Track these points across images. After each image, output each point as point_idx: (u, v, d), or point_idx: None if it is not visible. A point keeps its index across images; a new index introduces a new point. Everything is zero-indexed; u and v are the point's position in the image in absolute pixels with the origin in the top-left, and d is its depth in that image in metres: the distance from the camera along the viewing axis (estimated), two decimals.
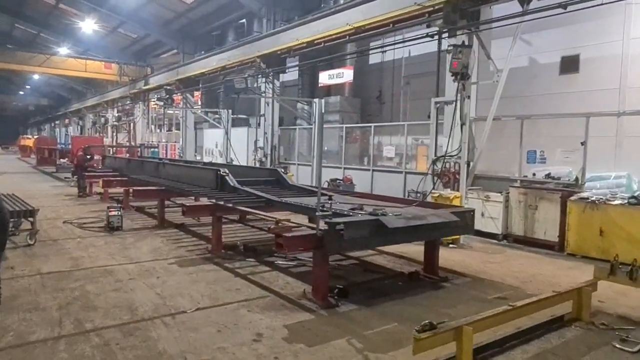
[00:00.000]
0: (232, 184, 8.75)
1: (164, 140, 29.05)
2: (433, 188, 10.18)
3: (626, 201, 8.23)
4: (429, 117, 14.56)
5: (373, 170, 14.28)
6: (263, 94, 15.74)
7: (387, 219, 5.70)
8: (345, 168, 15.18)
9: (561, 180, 9.67)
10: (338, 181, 13.69)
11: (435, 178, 10.22)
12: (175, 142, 28.48)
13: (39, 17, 33.13)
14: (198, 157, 23.28)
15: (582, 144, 9.28)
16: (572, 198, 8.90)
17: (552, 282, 6.73)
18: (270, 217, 9.47)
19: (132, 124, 29.32)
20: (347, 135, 15.61)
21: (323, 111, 14.23)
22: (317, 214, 5.41)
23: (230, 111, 19.28)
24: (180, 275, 6.75)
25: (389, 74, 16.86)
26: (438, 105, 10.74)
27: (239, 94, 14.13)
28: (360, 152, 15.58)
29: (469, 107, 9.76)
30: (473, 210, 7.09)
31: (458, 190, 9.84)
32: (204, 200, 8.50)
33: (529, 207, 9.63)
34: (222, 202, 7.82)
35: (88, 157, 15.87)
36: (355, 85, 17.39)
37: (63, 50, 31.80)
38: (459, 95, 9.59)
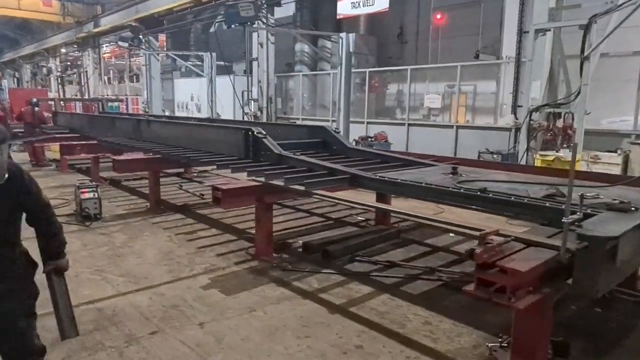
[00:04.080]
0: (276, 151, 5.79)
1: (126, 94, 24.88)
2: (528, 147, 7.60)
3: None
4: (476, 57, 11.91)
5: (409, 125, 11.50)
6: (270, 26, 12.31)
7: None
8: (369, 123, 12.33)
9: None
10: (370, 140, 10.86)
11: (533, 134, 7.61)
12: (136, 95, 24.44)
13: None
14: (167, 113, 19.60)
15: None
16: None
17: None
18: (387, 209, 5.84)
19: (83, 75, 24.81)
20: (369, 82, 12.65)
21: (352, 49, 11.20)
22: (566, 219, 2.63)
23: (214, 55, 15.69)
24: (236, 316, 3.88)
25: (414, 5, 13.77)
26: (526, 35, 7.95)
27: (245, 24, 10.69)
28: (389, 103, 12.73)
29: (592, 35, 7.01)
30: None
31: (564, 150, 7.32)
32: (239, 177, 5.47)
33: None
34: (278, 181, 4.87)
35: (37, 109, 12.13)
36: (370, 21, 14.26)
37: None
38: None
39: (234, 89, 14.95)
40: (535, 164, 7.17)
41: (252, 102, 14.87)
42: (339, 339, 3.54)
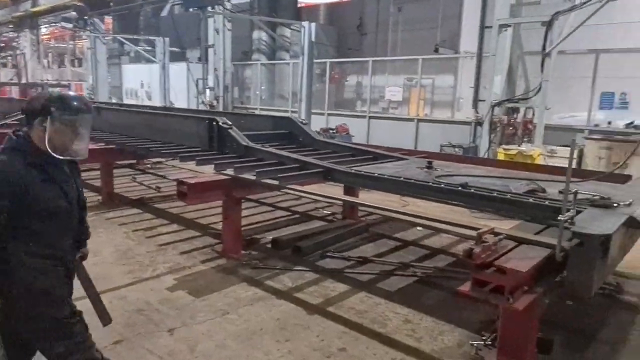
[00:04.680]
0: (243, 143, 5.50)
1: (68, 79, 23.38)
2: (490, 141, 7.73)
3: None
4: (436, 50, 12.02)
5: (370, 118, 11.45)
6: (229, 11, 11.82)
7: None
8: (329, 114, 12.18)
9: None
10: (332, 131, 10.72)
11: (495, 128, 7.73)
12: (80, 80, 23.03)
13: None
14: (115, 101, 18.59)
15: None
16: None
17: None
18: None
19: (19, 58, 23.07)
20: (329, 73, 12.48)
21: (314, 39, 10.98)
22: (562, 217, 2.58)
23: (167, 40, 14.95)
24: (208, 320, 3.62)
25: None
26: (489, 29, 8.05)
27: (205, 7, 10.14)
28: (348, 94, 12.63)
29: (553, 32, 7.16)
30: None
31: (526, 145, 7.50)
32: (201, 170, 5.15)
33: (613, 165, 7.55)
34: (248, 175, 4.62)
35: None
36: (330, 11, 14.06)
37: None
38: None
39: (191, 76, 14.38)
40: (498, 158, 7.29)
41: (208, 90, 14.32)
42: (320, 341, 3.38)
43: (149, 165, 9.88)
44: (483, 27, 8.82)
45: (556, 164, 7.68)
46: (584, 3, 6.36)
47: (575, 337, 3.58)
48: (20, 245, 2.08)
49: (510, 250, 2.73)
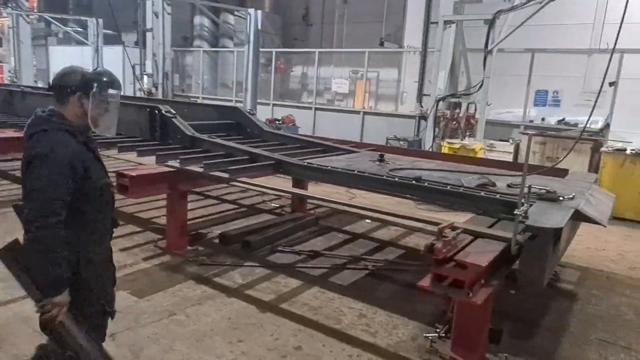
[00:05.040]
0: (188, 133, 5.24)
1: None
2: (435, 135, 7.92)
3: None
4: (381, 44, 12.14)
5: (316, 109, 11.38)
6: None
7: (589, 209, 3.20)
8: (275, 105, 11.97)
9: (577, 128, 8.20)
10: (278, 122, 10.53)
11: (439, 123, 7.92)
12: (0, 62, 21.09)
13: None
14: (40, 85, 17.22)
15: (612, 84, 7.79)
16: (605, 149, 7.46)
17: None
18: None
19: None
20: (275, 63, 12.24)
21: (259, 26, 10.69)
22: (518, 211, 2.61)
23: (100, 21, 14.00)
24: (154, 322, 3.39)
25: None
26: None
27: None
28: (294, 85, 12.47)
29: (495, 30, 7.39)
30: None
31: (469, 139, 7.75)
32: (140, 161, 4.82)
33: (547, 159, 7.99)
34: (196, 167, 4.38)
35: None
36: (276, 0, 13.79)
37: None
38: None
39: (128, 61, 13.59)
40: (443, 151, 7.48)
41: (146, 77, 13.60)
42: (274, 340, 3.26)
43: None
44: (428, 23, 8.98)
45: (496, 158, 8.03)
46: (525, 3, 6.63)
47: (519, 325, 3.71)
48: (86, 235, 2.06)
49: (468, 245, 2.75)
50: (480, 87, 7.49)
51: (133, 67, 14.11)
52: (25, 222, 1.86)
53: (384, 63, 11.92)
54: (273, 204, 6.89)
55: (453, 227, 2.76)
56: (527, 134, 8.20)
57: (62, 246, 1.89)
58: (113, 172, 4.26)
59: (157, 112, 5.41)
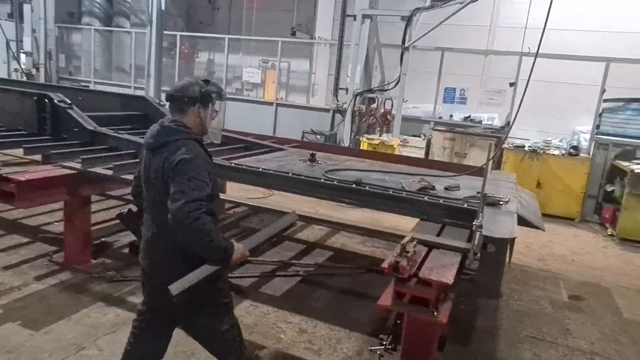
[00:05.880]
0: (89, 127, 4.52)
1: None
2: (352, 131, 7.87)
3: (565, 151, 7.77)
4: (293, 34, 11.83)
5: (226, 100, 10.72)
6: None
7: (526, 212, 3.25)
8: None
9: (482, 125, 8.68)
10: None
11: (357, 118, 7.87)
12: None
13: None
14: None
15: (511, 84, 8.33)
16: (507, 146, 7.99)
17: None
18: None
19: None
20: (180, 48, 11.33)
21: (163, 7, 9.75)
22: (477, 222, 2.50)
23: None
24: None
25: None
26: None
27: None
28: (199, 72, 11.66)
29: (412, 27, 7.44)
30: None
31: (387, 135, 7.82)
32: (43, 165, 4.01)
33: (455, 154, 8.36)
34: (102, 169, 3.74)
35: None
36: None
37: None
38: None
39: (4, 35, 11.72)
40: (362, 147, 7.43)
41: (25, 55, 11.87)
42: None
43: None
44: (344, 16, 8.85)
45: (409, 153, 8.21)
46: (444, 3, 6.77)
47: (457, 327, 3.71)
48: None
49: (426, 258, 2.60)
50: (397, 83, 7.56)
51: (7, 43, 12.23)
52: (180, 217, 2.00)
53: (295, 53, 11.63)
54: None
55: (411, 239, 2.59)
56: (437, 130, 8.52)
57: (215, 228, 2.10)
58: None
59: (47, 101, 4.58)
